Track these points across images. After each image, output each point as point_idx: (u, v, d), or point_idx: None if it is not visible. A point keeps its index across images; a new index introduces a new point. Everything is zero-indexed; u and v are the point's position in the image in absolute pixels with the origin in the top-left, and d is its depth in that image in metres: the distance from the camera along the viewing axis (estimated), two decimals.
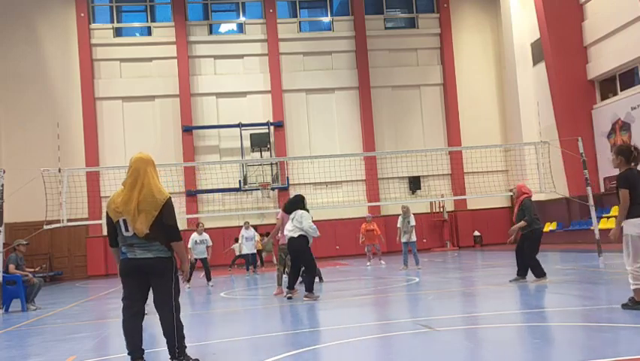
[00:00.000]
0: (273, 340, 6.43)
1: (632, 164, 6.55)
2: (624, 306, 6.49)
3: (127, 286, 5.08)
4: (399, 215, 16.43)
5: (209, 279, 15.43)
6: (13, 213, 22.26)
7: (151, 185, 4.97)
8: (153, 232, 4.92)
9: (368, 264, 19.41)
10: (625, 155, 6.52)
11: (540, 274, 10.15)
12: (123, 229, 4.98)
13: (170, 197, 5.04)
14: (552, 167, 19.26)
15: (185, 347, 5.10)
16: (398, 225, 16.20)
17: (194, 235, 15.70)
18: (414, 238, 15.97)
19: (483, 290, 10.28)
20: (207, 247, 15.70)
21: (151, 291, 5.14)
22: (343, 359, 5.51)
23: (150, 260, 4.96)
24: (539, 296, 8.88)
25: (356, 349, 5.88)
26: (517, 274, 10.44)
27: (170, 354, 5.03)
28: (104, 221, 6.91)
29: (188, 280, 15.25)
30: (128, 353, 5.05)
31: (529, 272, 10.31)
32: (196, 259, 15.58)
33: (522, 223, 10.23)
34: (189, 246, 15.53)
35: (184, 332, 5.10)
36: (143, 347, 5.11)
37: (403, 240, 16.02)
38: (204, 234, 15.84)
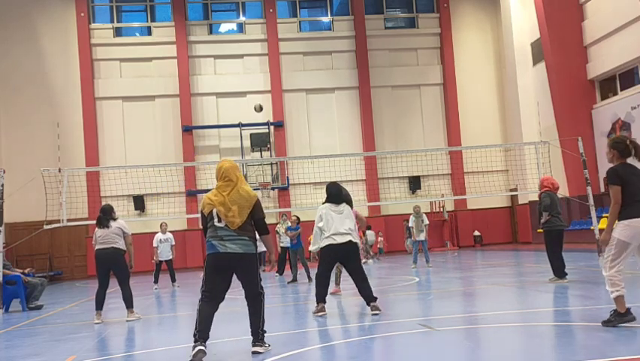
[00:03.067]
0: (273, 340, 6.42)
1: (628, 158, 5.80)
2: (606, 323, 5.66)
3: (212, 279, 5.54)
4: (399, 215, 16.56)
5: (173, 280, 15.81)
6: (13, 213, 22.28)
7: (242, 186, 5.64)
8: (244, 226, 5.53)
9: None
10: (619, 148, 5.78)
11: (560, 274, 9.99)
12: (216, 219, 5.54)
13: (258, 196, 5.71)
14: (552, 167, 19.29)
15: (266, 331, 5.73)
16: (410, 224, 16.55)
17: (159, 235, 15.85)
18: (425, 237, 16.30)
19: (483, 290, 10.27)
20: (171, 246, 15.88)
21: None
22: (343, 359, 5.51)
23: (239, 255, 5.50)
24: (539, 296, 8.88)
25: (356, 349, 5.88)
26: (555, 275, 10.22)
27: (253, 337, 5.65)
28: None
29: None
30: (196, 334, 5.40)
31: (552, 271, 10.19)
32: (160, 261, 15.70)
33: (545, 216, 10.16)
34: (154, 245, 15.71)
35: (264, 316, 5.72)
36: (209, 334, 5.52)
37: (419, 238, 16.39)
38: (168, 233, 16.07)
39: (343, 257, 8.13)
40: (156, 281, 15.61)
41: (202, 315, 5.47)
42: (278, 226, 16.89)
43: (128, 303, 9.13)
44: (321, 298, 8.04)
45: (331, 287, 10.84)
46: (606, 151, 5.91)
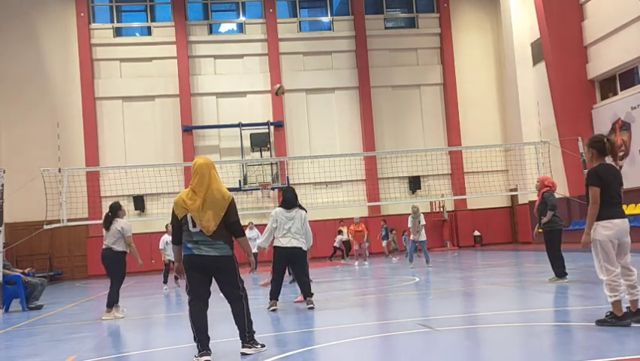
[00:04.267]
0: (273, 340, 6.42)
1: (607, 158, 5.79)
2: (600, 322, 5.71)
3: (193, 280, 5.50)
4: (399, 215, 16.62)
5: (177, 279, 15.74)
6: (13, 213, 22.28)
7: (217, 187, 5.46)
8: (219, 230, 5.40)
9: (356, 263, 20.07)
10: (597, 147, 5.77)
11: (560, 273, 9.99)
12: (190, 225, 5.43)
13: (232, 197, 5.53)
14: (552, 167, 19.32)
15: (254, 332, 5.69)
16: (409, 225, 16.56)
17: (165, 236, 15.67)
18: (424, 237, 16.26)
19: (483, 290, 10.27)
20: None
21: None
22: (343, 359, 5.51)
23: (215, 258, 5.42)
24: (539, 296, 8.88)
25: (356, 349, 5.88)
26: (555, 275, 10.22)
27: (241, 339, 5.63)
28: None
29: (176, 280, 15.50)
30: (197, 340, 5.42)
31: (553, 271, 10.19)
32: (170, 261, 15.65)
33: (540, 226, 10.22)
34: (161, 247, 15.61)
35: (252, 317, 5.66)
36: (209, 334, 5.51)
37: (413, 238, 16.42)
38: None
39: (289, 260, 9.00)
40: (165, 281, 15.60)
41: (195, 319, 5.46)
42: None
43: (109, 302, 9.41)
44: (273, 295, 9.03)
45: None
46: (584, 151, 5.85)
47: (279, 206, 9.12)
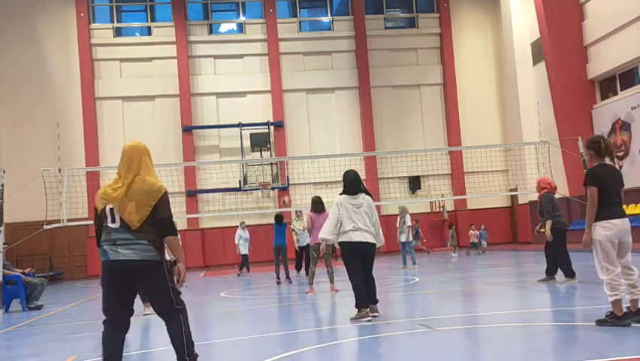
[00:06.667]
0: (273, 340, 6.42)
1: (605, 158, 5.85)
2: (600, 322, 5.72)
3: (109, 295, 4.45)
4: (398, 215, 16.65)
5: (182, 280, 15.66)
6: (13, 213, 22.26)
7: (146, 175, 4.51)
8: (144, 227, 4.36)
9: None
10: (594, 147, 5.84)
11: (569, 273, 9.91)
12: (109, 219, 4.41)
13: (166, 191, 4.54)
14: (552, 167, 19.29)
15: (197, 355, 4.54)
16: (397, 225, 16.50)
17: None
18: (409, 239, 16.23)
19: (483, 290, 10.27)
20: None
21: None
22: (343, 359, 5.50)
23: (135, 263, 4.33)
24: (539, 296, 8.88)
25: (356, 349, 5.88)
26: (546, 273, 10.23)
27: None
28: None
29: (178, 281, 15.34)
30: None
31: (559, 271, 10.16)
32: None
33: (542, 226, 10.18)
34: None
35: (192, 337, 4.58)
36: None
37: (400, 240, 16.26)
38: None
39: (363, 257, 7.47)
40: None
41: (105, 346, 4.41)
42: (293, 223, 16.47)
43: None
44: (360, 304, 7.29)
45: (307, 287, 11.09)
46: (584, 152, 5.98)
47: (342, 193, 7.69)
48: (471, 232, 22.18)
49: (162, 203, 4.42)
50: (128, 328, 4.50)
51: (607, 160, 5.89)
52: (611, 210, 5.70)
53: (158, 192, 4.44)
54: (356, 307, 7.28)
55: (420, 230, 23.01)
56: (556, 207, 10.26)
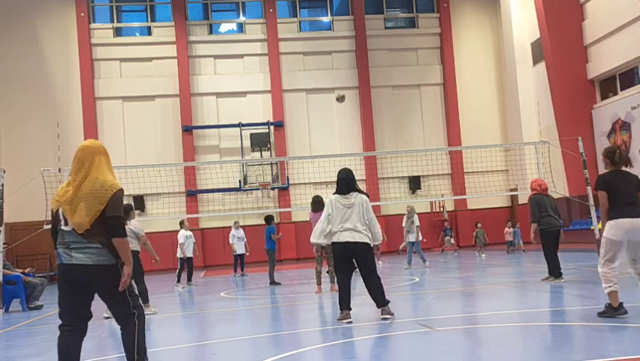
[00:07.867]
0: (273, 340, 6.42)
1: (620, 166, 6.35)
2: (601, 314, 6.15)
3: (63, 299, 4.27)
4: (399, 215, 16.62)
5: (189, 279, 15.87)
6: (13, 213, 22.26)
7: (98, 175, 4.31)
8: (95, 229, 4.17)
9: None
10: (609, 157, 6.37)
11: (555, 274, 10.03)
12: (62, 221, 4.28)
13: (121, 189, 4.32)
14: (552, 167, 19.29)
15: None
16: (403, 224, 16.42)
17: (183, 231, 16.05)
18: (418, 238, 16.17)
19: (483, 290, 10.27)
20: (194, 243, 16.35)
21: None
22: (343, 359, 5.50)
23: (88, 268, 4.17)
24: (539, 296, 8.88)
25: (356, 348, 5.88)
26: (549, 273, 10.25)
27: None
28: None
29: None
30: None
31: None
32: (187, 258, 15.88)
33: (534, 227, 10.43)
34: (181, 241, 15.87)
35: (146, 345, 4.40)
36: None
37: (409, 240, 16.21)
38: (189, 230, 16.27)
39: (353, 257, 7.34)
40: (179, 281, 15.74)
41: (60, 351, 4.23)
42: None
43: (143, 298, 9.45)
44: (342, 304, 7.25)
45: (315, 287, 11.03)
46: (602, 159, 6.51)
47: (335, 193, 7.45)
48: (507, 229, 21.48)
49: (112, 202, 4.22)
50: (86, 332, 4.35)
51: (622, 168, 6.35)
52: (620, 211, 6.11)
53: (109, 190, 4.24)
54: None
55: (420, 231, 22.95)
56: (544, 208, 10.33)
